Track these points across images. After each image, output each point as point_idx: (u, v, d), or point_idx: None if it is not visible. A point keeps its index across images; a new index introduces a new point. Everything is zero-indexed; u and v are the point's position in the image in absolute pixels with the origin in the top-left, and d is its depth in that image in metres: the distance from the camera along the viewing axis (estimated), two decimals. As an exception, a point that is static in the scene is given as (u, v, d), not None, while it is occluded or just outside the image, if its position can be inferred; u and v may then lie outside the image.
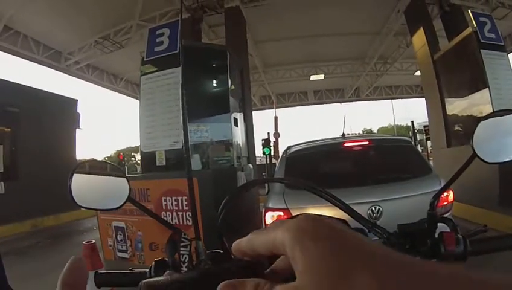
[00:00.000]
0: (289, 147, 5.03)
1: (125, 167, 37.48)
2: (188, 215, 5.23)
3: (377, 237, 1.07)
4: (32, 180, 10.83)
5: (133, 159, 56.00)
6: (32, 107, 11.67)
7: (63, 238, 9.71)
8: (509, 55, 9.83)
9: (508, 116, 1.03)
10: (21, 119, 11.52)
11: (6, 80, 11.50)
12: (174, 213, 5.50)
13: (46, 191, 10.07)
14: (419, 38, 11.76)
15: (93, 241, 3.82)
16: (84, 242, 3.78)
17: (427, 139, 23.43)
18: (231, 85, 8.73)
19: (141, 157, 8.30)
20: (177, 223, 5.44)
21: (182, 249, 0.99)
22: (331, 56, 19.17)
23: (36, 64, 14.71)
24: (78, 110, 14.90)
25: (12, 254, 7.73)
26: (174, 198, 5.50)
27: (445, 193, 3.79)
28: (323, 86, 24.26)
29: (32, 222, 11.09)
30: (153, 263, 1.04)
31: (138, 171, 14.88)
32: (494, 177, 8.10)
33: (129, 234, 5.93)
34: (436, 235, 1.03)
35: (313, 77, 20.96)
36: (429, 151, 21.69)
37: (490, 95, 8.71)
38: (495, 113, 1.06)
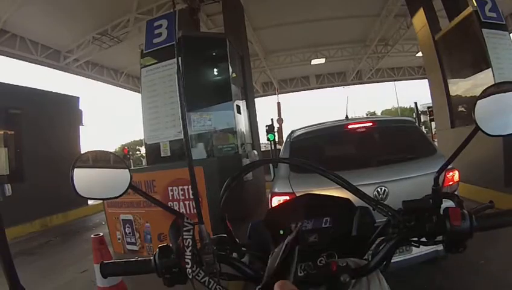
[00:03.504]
0: (293, 131, 4.99)
1: (131, 160, 37.61)
2: (195, 204, 5.24)
3: (381, 214, 1.06)
4: (39, 180, 10.84)
5: (138, 152, 56.18)
6: (34, 108, 11.66)
7: (72, 236, 9.77)
8: (511, 34, 9.73)
9: (509, 92, 1.02)
10: (24, 120, 11.52)
11: (6, 83, 11.50)
12: (181, 203, 5.52)
13: (53, 190, 10.09)
14: (420, 18, 11.63)
15: (101, 234, 3.83)
16: (92, 236, 3.79)
17: (431, 120, 23.35)
18: (232, 73, 8.71)
19: (145, 150, 8.32)
20: (185, 212, 5.44)
21: (185, 233, 0.98)
22: (331, 40, 19.05)
23: (36, 64, 14.73)
24: (80, 107, 14.89)
25: (25, 254, 7.79)
26: (180, 188, 5.52)
27: (451, 173, 3.78)
28: (325, 70, 24.19)
29: (41, 221, 11.15)
30: (157, 249, 1.04)
31: (144, 164, 14.89)
32: (500, 158, 8.07)
33: (137, 226, 5.96)
34: (442, 212, 1.02)
35: (314, 61, 20.86)
36: (433, 133, 21.62)
37: (493, 74, 8.63)
38: (496, 87, 1.04)
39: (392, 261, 1.06)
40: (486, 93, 1.02)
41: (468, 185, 7.97)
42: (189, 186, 5.33)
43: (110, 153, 1.15)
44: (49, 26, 13.11)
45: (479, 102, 1.02)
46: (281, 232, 1.14)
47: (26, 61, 14.18)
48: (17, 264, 2.46)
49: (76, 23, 13.45)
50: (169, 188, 5.63)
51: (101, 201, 7.34)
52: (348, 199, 1.19)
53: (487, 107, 1.01)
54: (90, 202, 13.25)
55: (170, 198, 5.59)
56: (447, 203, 1.06)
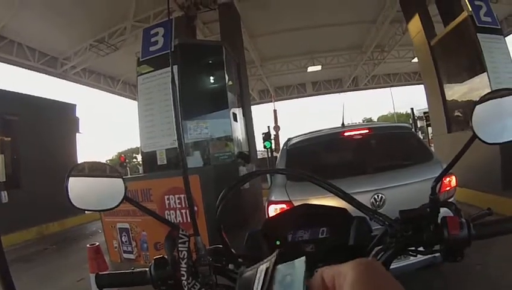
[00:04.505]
0: (289, 139, 5.00)
1: (127, 168, 37.54)
2: (192, 213, 5.23)
3: (378, 224, 1.05)
4: (35, 187, 10.82)
5: (134, 160, 56.13)
6: (31, 115, 11.66)
7: (68, 243, 9.74)
8: (506, 38, 9.78)
9: (506, 97, 1.01)
10: (21, 127, 11.52)
11: (4, 90, 11.50)
12: (178, 211, 5.51)
13: (50, 198, 10.05)
14: (415, 24, 11.69)
15: (97, 243, 3.81)
16: (87, 245, 3.78)
17: (428, 125, 23.41)
18: (228, 81, 8.72)
19: (142, 158, 8.32)
20: (181, 221, 5.45)
21: (180, 245, 0.97)
22: (327, 47, 19.11)
23: (33, 71, 14.71)
24: (77, 115, 14.90)
25: (21, 262, 7.76)
26: (176, 196, 5.51)
27: (448, 178, 3.78)
28: (321, 77, 24.22)
29: (38, 228, 11.11)
30: (153, 261, 1.03)
31: (140, 172, 14.88)
32: (497, 161, 8.08)
33: (134, 235, 5.94)
34: (439, 220, 1.01)
35: (310, 68, 20.88)
36: (430, 138, 21.67)
37: (489, 79, 8.67)
38: (493, 93, 1.04)
39: (390, 267, 1.05)
40: (484, 99, 1.02)
41: (466, 189, 7.98)
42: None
43: (106, 164, 1.14)
44: (46, 33, 13.10)
45: (476, 108, 1.01)
46: (277, 242, 1.14)
47: (24, 67, 14.15)
48: (13, 271, 2.43)
49: (74, 31, 13.45)
50: (166, 197, 5.62)
51: (97, 210, 7.30)
52: (345, 209, 1.18)
53: (484, 114, 1.01)
54: (86, 210, 13.21)
55: (167, 207, 5.57)
56: (444, 210, 1.05)
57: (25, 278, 6.21)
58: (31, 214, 10.45)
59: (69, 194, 1.03)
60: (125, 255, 6.15)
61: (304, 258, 0.63)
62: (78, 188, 1.05)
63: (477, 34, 8.96)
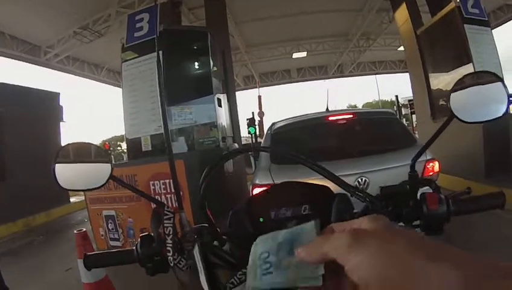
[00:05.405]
0: (273, 124, 5.02)
1: (112, 156, 37.24)
2: (178, 198, 5.25)
3: (360, 200, 1.07)
4: (20, 179, 10.65)
5: (119, 148, 55.71)
6: (13, 104, 11.43)
7: (56, 234, 9.65)
8: (493, 31, 9.85)
9: (485, 85, 1.03)
10: (2, 117, 11.31)
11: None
12: (163, 196, 5.53)
13: (35, 188, 9.92)
14: (402, 13, 11.73)
15: (84, 229, 3.82)
16: (75, 231, 3.78)
17: (412, 113, 23.62)
18: (213, 66, 8.66)
19: (127, 144, 8.25)
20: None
21: (165, 221, 0.99)
22: (313, 33, 19.06)
23: (15, 60, 14.42)
24: (60, 103, 14.68)
25: (9, 255, 7.72)
26: (161, 182, 5.52)
27: (431, 164, 3.84)
28: (306, 63, 24.20)
29: (24, 220, 10.95)
30: (139, 238, 1.05)
31: (125, 160, 14.81)
32: (480, 149, 8.20)
33: (120, 222, 5.94)
34: (419, 197, 1.04)
35: (296, 55, 20.87)
36: (414, 125, 21.87)
37: (474, 69, 8.72)
38: (471, 78, 1.06)
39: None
40: (464, 84, 1.04)
41: (449, 176, 8.09)
42: (171, 180, 5.33)
43: (92, 144, 1.15)
44: (28, 21, 12.78)
45: (455, 93, 1.03)
46: (261, 219, 1.16)
47: (5, 56, 13.87)
48: (2, 265, 2.42)
49: (57, 18, 13.17)
50: (151, 182, 5.63)
51: (84, 198, 7.28)
52: (327, 187, 1.20)
53: (464, 96, 1.03)
54: (72, 199, 13.21)
55: (152, 192, 5.58)
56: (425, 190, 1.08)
57: (16, 270, 6.17)
58: (16, 206, 10.33)
59: (56, 176, 1.05)
60: (112, 243, 6.15)
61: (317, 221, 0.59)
62: (65, 171, 1.07)
63: (464, 25, 8.99)
